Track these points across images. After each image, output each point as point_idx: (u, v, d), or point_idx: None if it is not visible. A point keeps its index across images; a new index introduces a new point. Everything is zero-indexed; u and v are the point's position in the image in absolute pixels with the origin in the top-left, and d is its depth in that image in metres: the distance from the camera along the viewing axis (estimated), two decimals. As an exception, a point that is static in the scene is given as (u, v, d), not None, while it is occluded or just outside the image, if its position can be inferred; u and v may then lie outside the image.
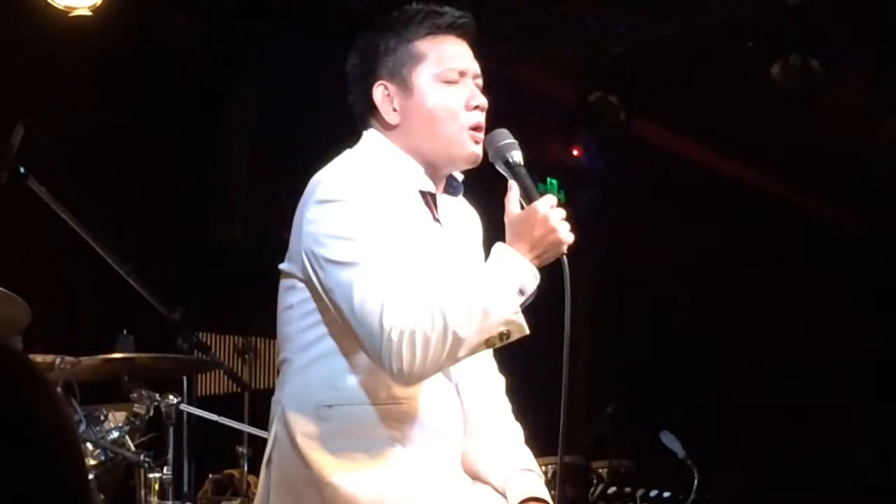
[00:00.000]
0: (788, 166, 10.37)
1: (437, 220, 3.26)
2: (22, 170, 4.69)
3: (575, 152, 9.64)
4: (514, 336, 3.02)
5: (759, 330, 10.47)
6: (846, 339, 10.81)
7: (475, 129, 3.24)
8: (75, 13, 6.62)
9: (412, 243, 3.11)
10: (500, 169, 3.17)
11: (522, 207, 3.10)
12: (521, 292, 3.01)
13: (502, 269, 3.00)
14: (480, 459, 3.29)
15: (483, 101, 3.26)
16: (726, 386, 10.20)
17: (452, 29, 3.28)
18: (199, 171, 7.72)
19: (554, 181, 9.73)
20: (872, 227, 11.21)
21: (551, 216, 3.04)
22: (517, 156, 3.17)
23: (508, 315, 2.98)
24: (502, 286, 2.98)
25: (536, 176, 9.39)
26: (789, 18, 7.90)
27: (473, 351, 3.01)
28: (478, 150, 3.24)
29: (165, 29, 7.28)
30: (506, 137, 3.20)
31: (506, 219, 3.09)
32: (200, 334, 5.83)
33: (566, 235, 3.06)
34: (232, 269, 7.32)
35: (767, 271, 10.58)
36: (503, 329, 2.99)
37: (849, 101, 8.41)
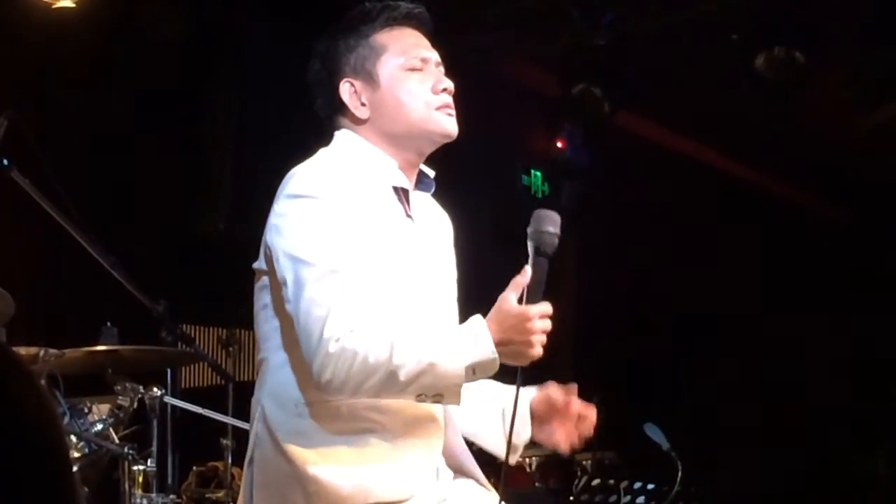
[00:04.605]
0: (772, 158, 10.38)
1: (409, 216, 3.27)
2: (5, 161, 4.68)
3: (559, 144, 9.64)
4: (447, 402, 3.06)
5: (744, 321, 10.49)
6: (831, 330, 10.83)
7: (445, 107, 3.26)
8: (58, 4, 6.60)
9: (382, 244, 3.12)
10: (529, 247, 3.10)
11: (522, 297, 3.05)
12: (474, 372, 3.01)
13: (467, 342, 3.00)
14: (473, 425, 3.28)
15: (449, 84, 3.29)
16: (710, 378, 10.22)
17: (409, 20, 3.33)
18: (183, 164, 7.71)
19: (538, 173, 9.73)
20: (857, 219, 11.24)
21: (535, 327, 3.03)
22: (550, 248, 3.10)
23: (449, 384, 2.99)
24: (458, 356, 2.98)
25: (522, 165, 9.40)
26: (773, 10, 7.91)
27: (400, 396, 3.03)
28: (451, 123, 3.27)
29: (148, 21, 7.26)
30: (550, 224, 3.11)
31: (501, 298, 3.06)
32: (184, 326, 5.84)
33: (535, 351, 3.05)
34: (215, 262, 7.30)
35: (751, 263, 10.60)
36: (437, 392, 3.01)
37: (833, 93, 8.41)
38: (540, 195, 9.61)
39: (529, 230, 3.11)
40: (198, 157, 7.83)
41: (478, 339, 3.00)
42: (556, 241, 3.10)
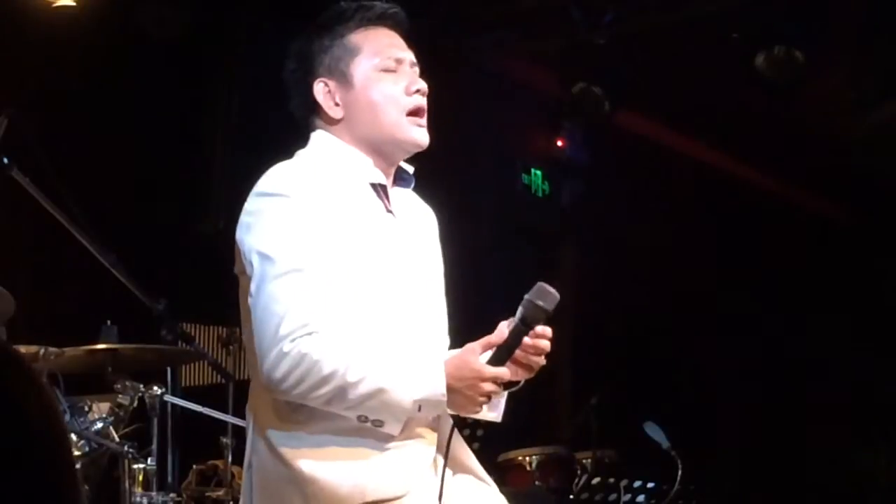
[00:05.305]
0: (772, 157, 10.37)
1: (389, 211, 3.27)
2: (5, 160, 4.68)
3: (559, 143, 9.64)
4: (385, 429, 3.06)
5: (743, 320, 10.48)
6: (829, 329, 10.82)
7: (417, 112, 3.27)
8: (59, 3, 6.61)
9: (360, 240, 3.13)
10: (518, 312, 3.07)
11: (490, 353, 3.07)
12: (420, 408, 3.03)
13: (421, 378, 3.03)
14: None
15: (423, 85, 3.30)
16: (709, 377, 10.21)
17: (383, 20, 3.34)
18: (183, 162, 7.71)
19: (538, 171, 9.73)
20: (857, 218, 11.23)
21: (484, 392, 3.05)
22: (534, 323, 3.07)
23: (394, 414, 3.03)
24: (408, 388, 3.02)
25: (522, 164, 9.39)
26: (773, 10, 7.91)
27: (342, 413, 3.04)
28: (421, 134, 3.28)
29: (149, 20, 7.26)
30: (547, 303, 3.06)
31: (467, 348, 3.09)
32: (184, 325, 5.83)
33: (476, 409, 3.09)
34: (216, 260, 7.28)
35: (752, 262, 10.59)
36: (380, 417, 3.04)
37: (833, 92, 8.41)
38: (540, 194, 9.61)
39: (527, 297, 3.06)
40: (198, 157, 7.83)
41: (432, 378, 3.03)
42: (544, 318, 3.07)
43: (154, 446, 5.26)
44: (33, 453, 1.60)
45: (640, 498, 7.32)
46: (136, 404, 5.28)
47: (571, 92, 8.77)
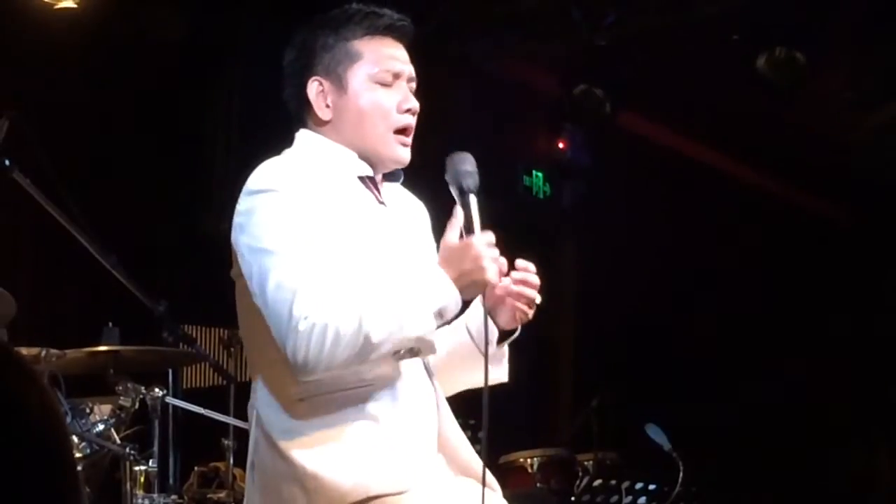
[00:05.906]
0: (773, 159, 10.38)
1: (381, 202, 3.30)
2: (6, 162, 4.69)
3: (560, 145, 9.63)
4: (424, 354, 3.09)
5: (744, 322, 10.48)
6: (831, 331, 10.83)
7: (404, 131, 3.29)
8: (61, 5, 6.61)
9: (352, 228, 3.14)
10: (453, 192, 3.16)
11: (462, 236, 3.11)
12: (441, 315, 3.05)
13: (426, 287, 3.05)
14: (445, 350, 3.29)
15: (415, 104, 3.30)
16: (711, 378, 10.21)
17: (390, 31, 3.34)
18: (184, 163, 7.71)
19: (539, 174, 9.73)
20: (857, 219, 11.23)
21: (484, 254, 3.07)
22: (472, 184, 3.16)
23: (420, 333, 3.03)
24: (422, 304, 3.03)
25: (523, 166, 9.38)
26: (773, 10, 7.92)
27: (380, 357, 3.04)
28: (404, 153, 3.30)
29: (151, 21, 7.26)
30: (466, 164, 3.18)
31: (441, 243, 3.12)
32: (186, 327, 5.84)
33: (492, 276, 3.09)
34: (217, 262, 7.28)
35: (753, 264, 10.60)
36: (414, 345, 3.05)
37: (834, 94, 8.41)
38: (541, 196, 9.61)
39: (447, 176, 3.16)
40: (198, 157, 7.83)
41: (436, 282, 3.05)
42: (477, 177, 3.15)
43: (155, 448, 5.27)
44: (34, 455, 1.60)
45: (642, 500, 7.32)
46: (137, 406, 5.28)
47: (572, 94, 8.77)
